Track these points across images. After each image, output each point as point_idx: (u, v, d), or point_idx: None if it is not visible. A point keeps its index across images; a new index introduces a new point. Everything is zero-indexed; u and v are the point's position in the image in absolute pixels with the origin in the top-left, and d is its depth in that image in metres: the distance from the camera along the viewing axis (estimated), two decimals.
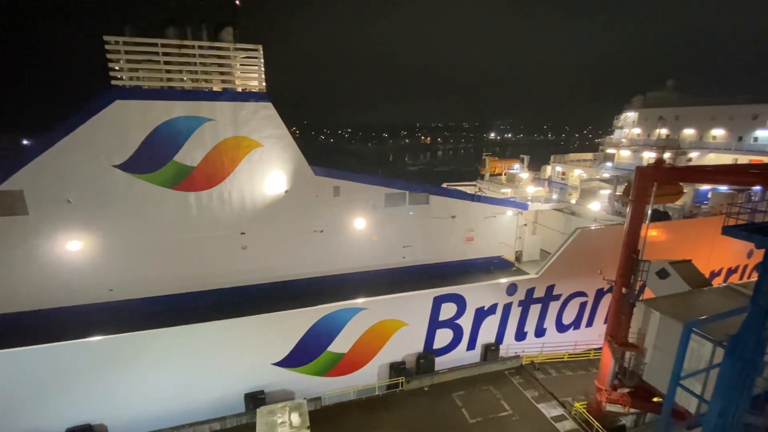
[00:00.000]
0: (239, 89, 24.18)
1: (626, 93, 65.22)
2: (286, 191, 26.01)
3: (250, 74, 24.28)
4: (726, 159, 46.23)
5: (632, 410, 22.11)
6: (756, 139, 47.17)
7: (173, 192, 23.83)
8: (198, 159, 23.83)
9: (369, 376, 26.07)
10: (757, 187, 33.98)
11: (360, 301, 24.42)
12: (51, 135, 21.51)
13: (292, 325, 23.49)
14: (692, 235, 30.78)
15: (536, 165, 56.19)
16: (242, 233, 25.72)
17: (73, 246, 22.77)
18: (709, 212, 33.88)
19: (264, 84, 24.36)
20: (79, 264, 23.11)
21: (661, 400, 18.47)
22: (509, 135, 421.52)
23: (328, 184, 26.90)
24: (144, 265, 24.28)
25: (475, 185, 45.05)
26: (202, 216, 24.69)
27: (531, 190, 39.01)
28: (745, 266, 34.96)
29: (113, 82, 21.85)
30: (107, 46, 21.42)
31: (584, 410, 23.34)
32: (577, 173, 51.64)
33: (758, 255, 12.89)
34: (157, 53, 22.09)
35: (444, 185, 40.53)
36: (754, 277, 13.01)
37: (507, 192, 39.16)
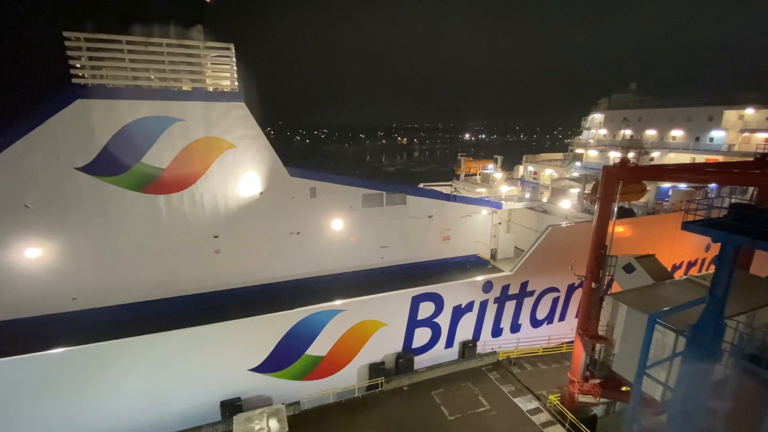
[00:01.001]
0: (210, 89, 23.53)
1: (593, 95, 67.87)
2: (260, 193, 25.52)
3: (222, 73, 23.68)
4: (685, 158, 48.89)
5: (603, 400, 23.02)
6: (711, 139, 50.12)
7: (141, 195, 22.90)
8: (167, 161, 23.01)
9: (348, 378, 25.94)
10: (713, 185, 36.20)
11: (338, 302, 24.27)
12: (6, 136, 20.22)
13: (268, 329, 23.07)
14: (655, 230, 32.35)
15: (509, 165, 57.59)
16: (215, 236, 25.03)
17: (32, 253, 21.49)
18: (670, 209, 35.72)
19: (236, 84, 23.81)
20: (39, 272, 21.82)
21: (629, 389, 19.29)
22: (483, 136, 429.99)
23: (304, 185, 26.58)
24: (110, 272, 23.19)
25: (451, 185, 45.70)
26: (172, 219, 23.84)
27: (504, 189, 39.95)
28: (704, 259, 37.05)
29: (74, 80, 20.79)
30: (67, 42, 20.37)
31: (558, 402, 24.09)
32: (548, 173, 53.28)
33: (715, 248, 13.68)
34: (122, 50, 21.19)
35: (421, 185, 40.91)
36: (712, 270, 13.81)
37: (482, 192, 39.93)
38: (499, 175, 45.49)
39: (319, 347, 24.47)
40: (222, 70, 23.62)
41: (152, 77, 22.27)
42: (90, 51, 20.75)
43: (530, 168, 57.39)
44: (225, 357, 22.38)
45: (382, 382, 25.79)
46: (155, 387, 21.26)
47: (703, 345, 13.58)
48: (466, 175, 48.68)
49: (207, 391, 22.41)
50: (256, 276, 26.50)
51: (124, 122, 21.74)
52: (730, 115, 48.63)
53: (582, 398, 22.59)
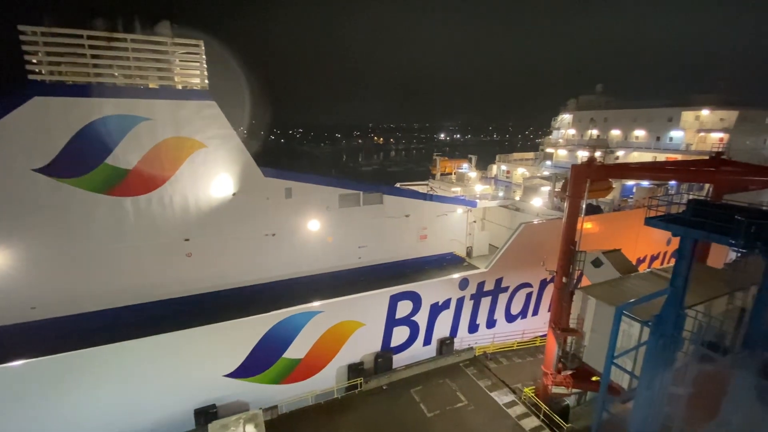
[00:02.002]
0: (179, 87, 22.76)
1: (563, 96, 70.17)
2: (233, 194, 24.89)
3: (191, 71, 22.95)
4: (647, 157, 51.35)
5: (575, 390, 23.88)
6: (671, 139, 52.92)
7: (106, 197, 21.88)
8: (134, 161, 22.09)
9: (327, 380, 25.76)
10: (673, 182, 38.21)
11: (316, 304, 24.05)
12: None
13: (244, 333, 22.59)
14: (621, 226, 33.84)
15: (483, 164, 58.68)
16: (186, 240, 24.23)
17: None
18: (634, 205, 37.45)
19: (207, 82, 23.14)
20: None
21: (599, 379, 20.09)
22: (458, 136, 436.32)
23: (279, 186, 26.14)
24: (73, 278, 22.04)
25: (427, 184, 46.15)
26: (140, 222, 22.90)
27: (479, 188, 40.70)
28: (665, 253, 39.07)
29: (31, 77, 19.64)
30: (23, 37, 19.23)
31: (533, 394, 24.81)
32: (520, 171, 54.69)
33: (675, 242, 14.45)
34: (82, 45, 20.17)
35: (397, 185, 41.10)
36: (673, 263, 14.56)
37: (457, 191, 40.54)
38: (473, 174, 46.31)
39: (296, 350, 24.15)
40: (191, 67, 22.90)
41: (116, 74, 21.34)
42: (48, 46, 19.67)
43: (503, 167, 58.75)
44: (198, 363, 21.75)
45: (361, 383, 25.75)
46: (124, 398, 20.42)
47: (665, 334, 14.31)
48: (441, 175, 49.29)
49: (180, 399, 21.71)
50: (230, 279, 25.85)
51: (86, 121, 20.70)
52: (688, 116, 51.50)
53: (555, 389, 23.36)
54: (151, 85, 22.17)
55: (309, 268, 28.20)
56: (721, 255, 32.55)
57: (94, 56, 20.49)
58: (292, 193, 26.47)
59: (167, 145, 22.60)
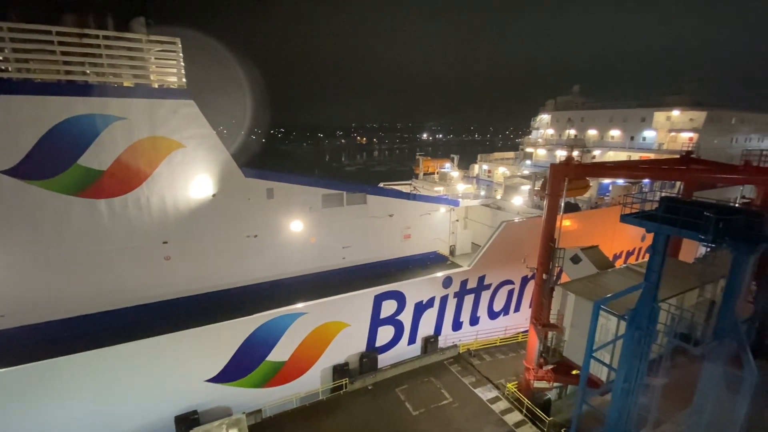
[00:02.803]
0: (155, 85, 22.15)
1: (542, 97, 71.68)
2: (213, 195, 24.36)
3: (168, 69, 22.35)
4: (622, 156, 52.99)
5: (556, 384, 24.42)
6: (644, 138, 54.81)
7: (78, 200, 21.07)
8: (108, 162, 21.34)
9: (312, 382, 25.57)
10: (647, 180, 39.54)
11: (299, 305, 23.83)
12: None
13: (225, 337, 22.19)
14: (598, 223, 34.80)
15: (465, 164, 59.30)
16: (165, 242, 23.58)
17: None
18: (611, 203, 38.58)
19: (184, 80, 22.56)
20: None
21: (578, 372, 20.61)
22: (440, 136, 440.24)
23: (260, 186, 25.74)
24: (45, 285, 21.15)
25: (410, 184, 46.32)
26: (115, 225, 22.15)
27: (461, 187, 41.14)
28: (640, 248, 40.40)
29: None
30: None
31: (516, 390, 25.26)
32: (501, 171, 55.52)
33: (649, 238, 14.95)
34: (51, 42, 19.37)
35: (381, 185, 41.12)
36: (647, 258, 15.06)
37: (440, 190, 40.86)
38: (455, 173, 46.77)
39: (280, 352, 23.88)
40: (168, 65, 22.30)
41: (88, 72, 20.58)
42: (15, 42, 18.78)
43: (485, 166, 59.52)
44: (179, 369, 21.25)
45: (346, 383, 25.66)
46: (100, 408, 19.78)
47: (641, 327, 14.80)
48: (424, 174, 49.60)
49: (160, 406, 21.17)
50: (210, 282, 25.32)
51: (56, 120, 19.89)
52: (660, 116, 53.43)
53: (537, 384, 23.84)
54: (125, 84, 21.50)
55: (292, 270, 27.91)
56: (692, 250, 33.93)
57: (64, 53, 19.70)
58: (273, 193, 26.11)
59: (143, 145, 21.94)
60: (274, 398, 24.09)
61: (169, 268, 23.89)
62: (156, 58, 21.90)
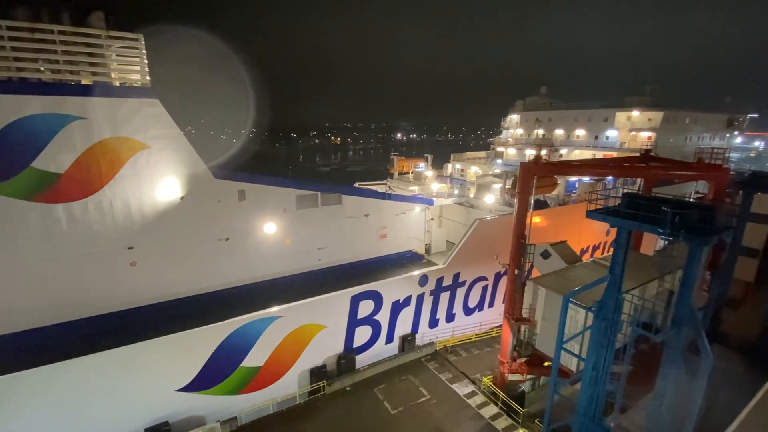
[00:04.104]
0: (116, 83, 21.14)
1: (512, 97, 73.60)
2: (181, 197, 23.49)
3: (130, 66, 21.39)
4: (587, 154, 55.28)
5: (529, 376, 25.14)
6: (607, 137, 57.35)
7: (33, 204, 19.79)
8: (66, 164, 20.17)
9: (289, 386, 25.17)
10: (610, 177, 41.37)
11: (274, 309, 23.40)
12: None
13: (197, 344, 21.50)
14: (565, 219, 36.13)
15: (439, 163, 60.09)
16: (130, 248, 22.52)
17: None
18: (577, 199, 40.15)
19: (148, 78, 21.67)
20: None
21: (550, 363, 21.31)
22: (414, 135, 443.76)
23: (231, 188, 25.05)
24: None
25: (385, 184, 46.47)
26: (75, 231, 20.95)
27: (435, 186, 41.68)
28: (605, 243, 42.26)
29: None
30: None
31: (491, 384, 25.83)
32: (474, 170, 56.63)
33: (614, 233, 15.64)
34: (1, 37, 18.11)
35: (356, 185, 41.01)
36: (611, 252, 15.76)
37: (414, 189, 41.22)
38: (429, 173, 47.33)
39: (255, 358, 23.37)
40: (130, 62, 21.34)
41: (42, 69, 19.38)
42: None
43: (458, 166, 60.52)
44: (148, 380, 20.40)
45: (324, 386, 25.43)
46: (65, 422, 18.74)
47: (607, 318, 15.47)
48: (399, 174, 49.88)
49: (128, 419, 20.27)
50: (180, 288, 24.40)
51: (6, 120, 18.61)
52: (621, 116, 56.09)
53: (511, 377, 24.49)
54: (83, 81, 20.38)
55: (266, 273, 27.34)
56: (653, 243, 35.80)
57: (14, 49, 18.47)
58: (245, 195, 25.48)
59: (104, 146, 20.88)
60: (250, 404, 23.55)
61: (135, 275, 22.84)
62: (117, 55, 20.92)
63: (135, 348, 19.48)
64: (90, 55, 20.20)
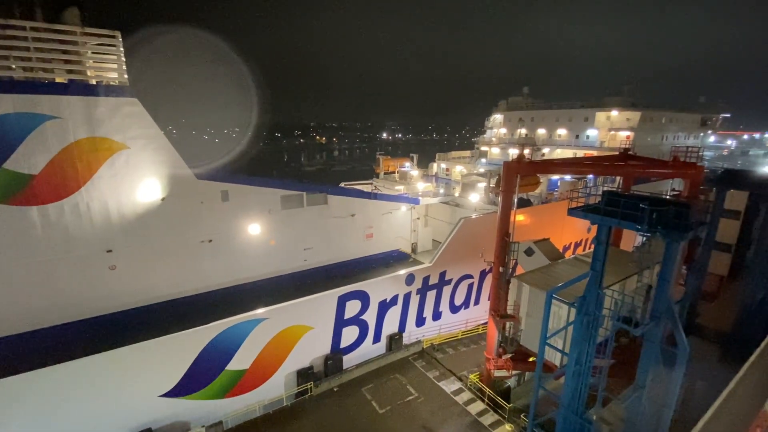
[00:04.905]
0: (93, 81, 20.52)
1: (496, 97, 74.48)
2: (162, 199, 22.97)
3: (107, 64, 20.80)
4: (568, 153, 56.39)
5: (514, 372, 25.52)
6: (588, 137, 58.66)
7: (5, 207, 19.04)
8: (40, 165, 19.46)
9: (275, 388, 24.93)
10: (591, 176, 42.33)
11: (260, 311, 23.13)
12: None
13: (180, 348, 21.07)
14: (548, 217, 36.78)
15: (424, 163, 60.37)
16: (109, 251, 21.90)
17: None
18: (559, 197, 40.94)
19: (126, 76, 21.09)
20: None
21: (535, 358, 21.68)
22: (399, 135, 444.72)
23: (214, 189, 24.61)
24: None
25: (371, 183, 46.45)
26: (50, 234, 20.25)
27: (421, 186, 41.84)
28: (586, 240, 43.22)
29: None
30: None
31: (478, 380, 26.12)
32: (458, 169, 57.15)
33: (594, 230, 16.04)
34: None
35: (342, 185, 40.86)
36: (593, 248, 16.14)
37: (400, 189, 41.31)
38: (415, 172, 47.48)
39: (240, 360, 23.05)
40: (107, 60, 20.74)
41: (14, 66, 18.66)
42: None
43: (443, 165, 60.96)
44: (129, 386, 19.91)
45: (311, 387, 25.28)
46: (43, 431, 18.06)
47: (589, 313, 15.85)
48: (385, 174, 49.92)
49: (110, 426, 19.73)
50: (162, 292, 23.85)
51: None
52: (601, 116, 57.45)
53: (497, 373, 24.79)
54: (58, 79, 19.72)
55: (251, 275, 26.98)
56: (632, 239, 36.79)
57: None
58: (228, 195, 25.06)
59: (81, 146, 20.23)
60: (235, 408, 23.22)
61: (114, 279, 22.22)
62: (93, 53, 20.31)
63: (115, 354, 18.97)
64: (64, 52, 19.54)
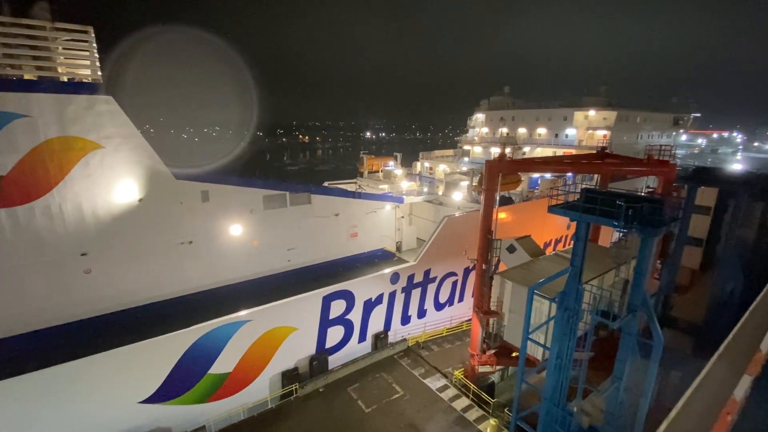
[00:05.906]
0: (64, 78, 19.76)
1: (478, 96, 75.26)
2: (139, 200, 22.32)
3: (79, 60, 20.06)
4: (548, 152, 57.59)
5: (498, 367, 25.95)
6: (567, 135, 60.00)
7: None
8: (8, 166, 18.64)
9: (260, 391, 24.62)
10: (570, 174, 43.32)
11: (243, 313, 22.77)
12: None
13: (160, 353, 20.55)
14: (529, 214, 37.46)
15: (408, 162, 60.50)
16: (83, 254, 21.16)
17: None
18: (540, 195, 41.74)
19: (99, 74, 20.40)
20: None
21: (518, 353, 22.08)
22: (383, 134, 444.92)
23: (194, 189, 24.06)
24: None
25: (355, 183, 46.29)
26: (20, 238, 19.43)
27: (405, 185, 41.94)
28: (566, 236, 44.25)
29: None
30: None
31: (462, 376, 26.41)
32: (442, 168, 57.51)
33: (574, 226, 16.42)
34: None
35: (326, 184, 40.59)
36: (572, 245, 16.53)
37: (384, 188, 41.30)
38: (399, 171, 47.55)
39: (223, 364, 22.66)
40: (79, 56, 20.00)
41: None
42: None
43: (426, 164, 61.26)
44: (106, 393, 19.30)
45: (296, 389, 25.07)
46: None
47: (569, 307, 16.24)
48: (369, 173, 49.83)
49: None
50: (140, 295, 23.19)
51: None
52: (579, 115, 58.80)
53: (481, 369, 25.16)
54: (26, 76, 18.91)
55: (234, 276, 26.52)
56: (609, 235, 37.83)
57: None
58: (209, 196, 24.55)
59: (51, 146, 19.47)
60: (219, 412, 22.82)
61: (89, 283, 21.49)
62: (64, 48, 19.55)
63: (90, 361, 18.37)
64: (33, 48, 18.76)
